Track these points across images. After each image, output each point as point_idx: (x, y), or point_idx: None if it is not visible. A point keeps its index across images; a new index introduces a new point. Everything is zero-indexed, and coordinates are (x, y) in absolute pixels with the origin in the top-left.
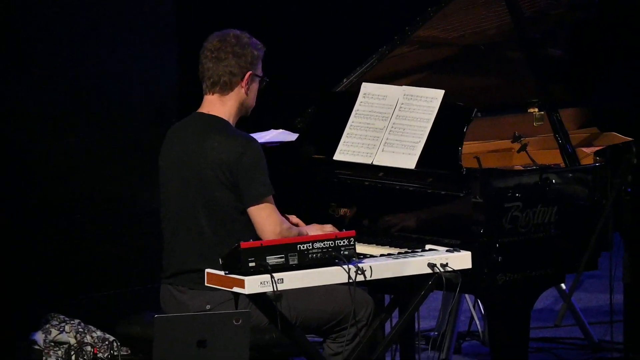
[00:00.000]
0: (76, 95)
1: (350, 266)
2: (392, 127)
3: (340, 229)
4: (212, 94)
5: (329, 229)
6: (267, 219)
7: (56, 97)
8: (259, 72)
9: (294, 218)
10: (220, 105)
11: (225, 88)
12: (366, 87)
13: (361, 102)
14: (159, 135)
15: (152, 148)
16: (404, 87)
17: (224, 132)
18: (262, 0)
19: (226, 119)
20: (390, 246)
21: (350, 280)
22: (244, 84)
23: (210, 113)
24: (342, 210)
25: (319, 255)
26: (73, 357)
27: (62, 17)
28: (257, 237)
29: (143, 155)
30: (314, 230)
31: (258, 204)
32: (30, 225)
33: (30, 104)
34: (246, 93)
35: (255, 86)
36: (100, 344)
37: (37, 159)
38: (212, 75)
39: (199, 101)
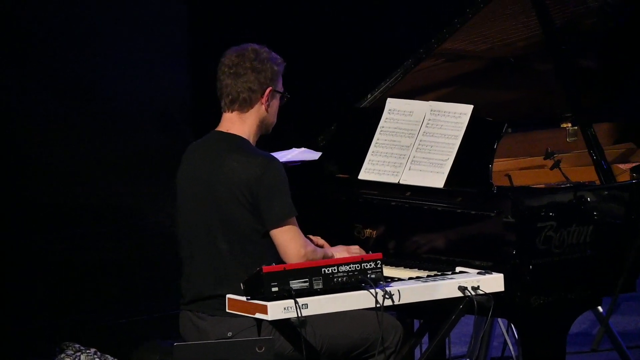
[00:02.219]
0: (85, 103)
1: (378, 290)
2: (419, 144)
3: (366, 251)
4: (231, 112)
5: (355, 250)
6: (290, 242)
7: (64, 106)
8: (280, 87)
9: (319, 240)
10: (239, 124)
11: (244, 105)
12: (391, 103)
13: (386, 118)
14: (169, 144)
15: (162, 159)
16: (430, 102)
17: (243, 151)
18: (281, 12)
19: (246, 137)
20: (419, 269)
21: (378, 305)
22: (264, 100)
23: (229, 132)
24: (368, 232)
25: (344, 279)
26: None
27: (72, 25)
28: (278, 261)
29: (153, 166)
30: (340, 251)
31: (280, 226)
32: (43, 248)
33: (39, 112)
34: (266, 110)
35: (275, 103)
36: None
37: (47, 169)
38: (230, 92)
39: (210, 110)
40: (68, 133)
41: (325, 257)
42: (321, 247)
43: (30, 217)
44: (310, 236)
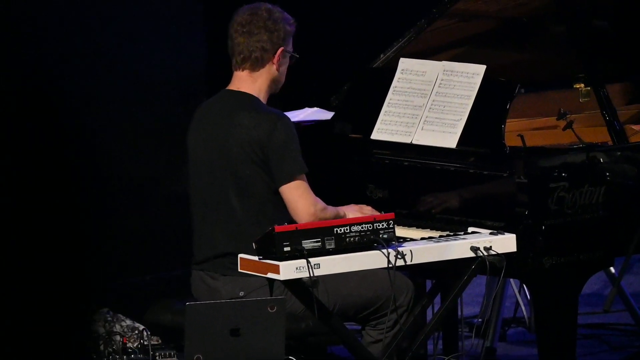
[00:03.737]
0: (102, 76)
1: (390, 250)
2: (431, 104)
3: (379, 211)
4: (242, 70)
5: (367, 210)
6: (299, 199)
7: (81, 79)
8: (290, 48)
9: (365, 207)
10: (250, 82)
11: (256, 64)
12: (404, 63)
13: (399, 78)
14: (188, 114)
15: (181, 129)
16: (443, 62)
17: (254, 109)
18: None
19: (256, 95)
20: (431, 229)
21: (390, 265)
22: (275, 60)
23: (240, 90)
24: (380, 192)
25: (357, 239)
26: (102, 347)
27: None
28: (291, 219)
29: (172, 136)
30: (352, 210)
31: (290, 182)
32: (54, 210)
33: (56, 86)
34: (277, 70)
35: (286, 62)
36: (129, 333)
37: (65, 141)
38: (242, 50)
39: (228, 79)
40: (85, 106)
41: (336, 216)
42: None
43: (46, 185)
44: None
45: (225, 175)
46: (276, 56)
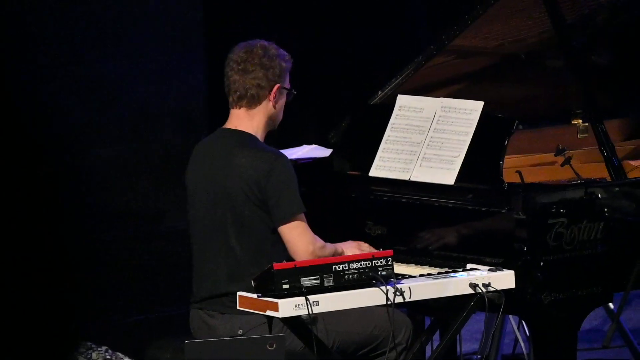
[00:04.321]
0: (101, 109)
1: (389, 287)
2: (429, 141)
3: (377, 248)
4: (239, 108)
5: (365, 247)
6: (298, 238)
7: (81, 109)
8: (287, 84)
9: (362, 244)
10: (247, 120)
11: (252, 102)
12: (402, 100)
13: (397, 115)
14: (188, 147)
15: (181, 161)
16: (441, 99)
17: (251, 147)
18: (293, 10)
19: (254, 134)
20: (430, 266)
21: (389, 302)
22: (271, 97)
23: (237, 128)
24: (378, 228)
25: (355, 276)
26: None
27: (87, 27)
28: (290, 258)
29: (172, 168)
30: (350, 247)
31: (288, 222)
32: (54, 244)
33: (55, 115)
34: (274, 107)
35: (283, 99)
36: None
37: (65, 172)
38: (238, 88)
39: (228, 112)
40: (86, 136)
41: (335, 253)
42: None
43: (48, 219)
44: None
45: (224, 214)
46: (272, 93)
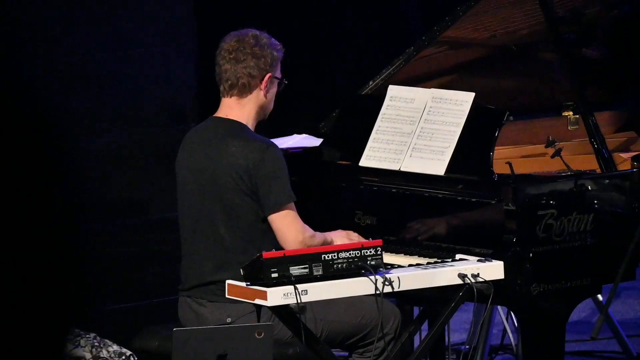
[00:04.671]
0: (91, 98)
1: (378, 277)
2: (420, 131)
3: (366, 238)
4: (230, 97)
5: (354, 236)
6: (288, 227)
7: (71, 100)
8: (278, 74)
9: (351, 234)
10: (238, 109)
11: (243, 90)
12: (393, 90)
13: (388, 105)
14: (178, 138)
15: (171, 152)
16: (432, 89)
17: (242, 137)
18: (287, 1)
19: (244, 122)
20: (419, 256)
21: (378, 292)
22: (263, 86)
23: (227, 117)
24: (368, 218)
25: (344, 265)
26: None
27: (78, 19)
28: (279, 247)
29: (162, 159)
30: (339, 236)
31: (278, 211)
32: (41, 233)
33: (45, 105)
34: (265, 96)
35: (274, 89)
36: (116, 359)
37: (53, 163)
38: (229, 77)
39: (218, 102)
40: (74, 129)
41: (324, 242)
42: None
43: (37, 208)
44: (342, 232)
45: (214, 203)
46: (264, 82)
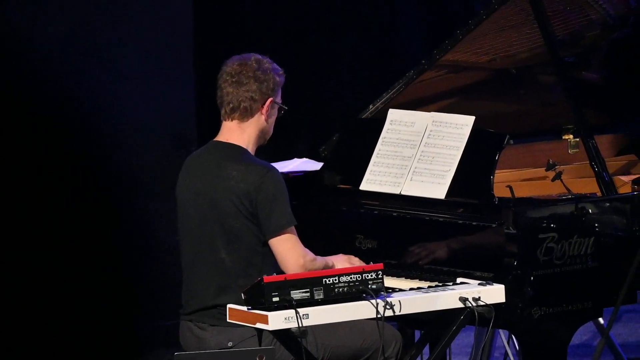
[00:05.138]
0: (92, 121)
1: (379, 300)
2: (420, 155)
3: (367, 262)
4: (231, 120)
5: (355, 260)
6: (289, 252)
7: (72, 125)
8: (279, 99)
9: (353, 258)
10: (239, 133)
11: (245, 114)
12: (393, 114)
13: (388, 129)
14: (179, 161)
15: (173, 175)
16: (432, 113)
17: (242, 161)
18: (285, 24)
19: (245, 147)
20: (420, 279)
21: (379, 316)
22: (264, 110)
23: (228, 141)
24: (369, 242)
25: (345, 289)
26: None
27: (78, 44)
28: (280, 271)
29: (163, 183)
30: (340, 260)
31: (279, 235)
32: (42, 257)
33: (47, 129)
34: (266, 120)
35: (274, 113)
36: None
37: (55, 182)
38: (231, 100)
39: (218, 125)
40: (76, 148)
41: (325, 266)
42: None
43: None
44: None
45: (214, 227)
46: (265, 106)
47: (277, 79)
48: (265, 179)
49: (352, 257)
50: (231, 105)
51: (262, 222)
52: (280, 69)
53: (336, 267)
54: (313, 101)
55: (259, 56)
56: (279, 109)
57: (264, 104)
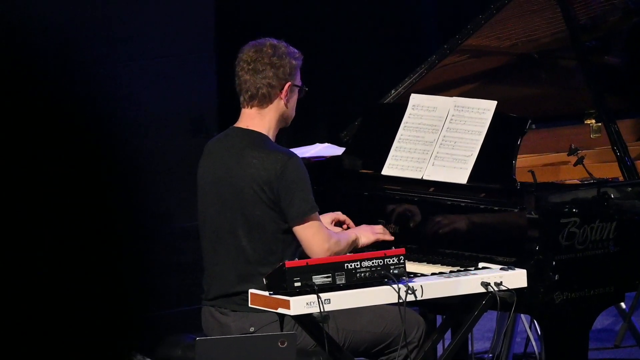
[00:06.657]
0: (111, 107)
1: (401, 285)
2: (442, 140)
3: (389, 247)
4: (250, 108)
5: (379, 229)
6: (313, 237)
7: (90, 110)
8: (298, 81)
9: (339, 215)
10: (259, 119)
11: (263, 101)
12: (415, 99)
13: (410, 114)
14: (199, 147)
15: (192, 161)
16: (454, 98)
17: (263, 148)
18: (307, 10)
19: (265, 133)
20: (442, 264)
21: (401, 300)
22: (283, 95)
23: (248, 128)
24: (391, 227)
25: (367, 274)
26: None
27: (100, 29)
28: (300, 257)
29: (182, 169)
30: (364, 231)
31: (302, 222)
32: (63, 245)
33: (65, 115)
34: (286, 105)
35: (294, 97)
36: None
37: (73, 168)
38: (249, 87)
39: (238, 112)
40: (95, 134)
41: (350, 242)
42: (343, 222)
43: (62, 219)
44: (331, 214)
45: (235, 215)
46: (284, 91)
47: (294, 62)
48: (287, 166)
49: (375, 226)
50: (249, 92)
51: (284, 209)
52: (297, 51)
53: (360, 239)
54: (334, 86)
55: (274, 41)
56: (300, 91)
57: (282, 89)
